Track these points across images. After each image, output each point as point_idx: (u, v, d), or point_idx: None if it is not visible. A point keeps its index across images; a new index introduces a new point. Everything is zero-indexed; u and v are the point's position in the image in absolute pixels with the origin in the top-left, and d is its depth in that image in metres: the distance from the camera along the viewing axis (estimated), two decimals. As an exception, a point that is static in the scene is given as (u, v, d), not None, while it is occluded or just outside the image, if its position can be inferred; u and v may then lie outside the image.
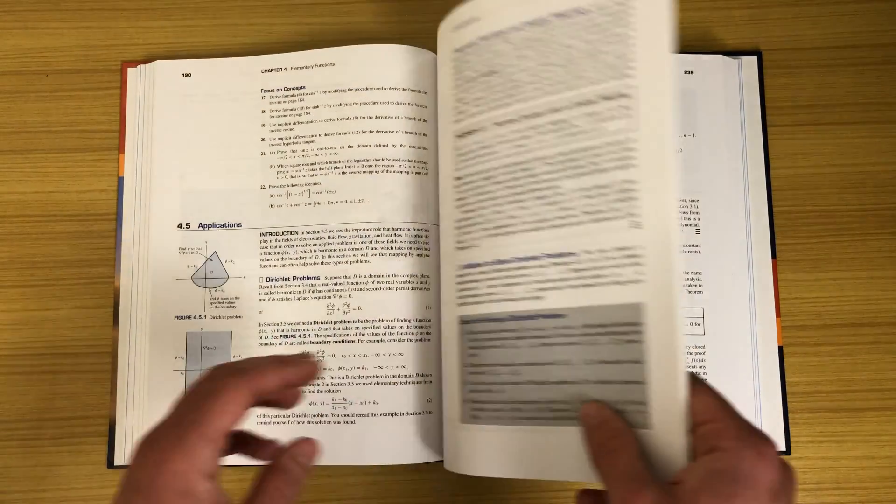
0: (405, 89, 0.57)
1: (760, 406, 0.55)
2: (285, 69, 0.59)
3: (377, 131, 0.56)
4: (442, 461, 0.54)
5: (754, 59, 0.60)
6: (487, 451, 0.47)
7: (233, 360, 0.55)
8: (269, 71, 0.59)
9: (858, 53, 0.60)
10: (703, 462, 0.36)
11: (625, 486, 0.36)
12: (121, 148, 0.59)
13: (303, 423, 0.54)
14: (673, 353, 0.40)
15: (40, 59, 0.61)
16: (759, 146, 0.58)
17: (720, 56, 0.59)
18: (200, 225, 0.57)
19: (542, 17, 0.46)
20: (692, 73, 0.58)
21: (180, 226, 0.57)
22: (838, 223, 0.58)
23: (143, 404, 0.55)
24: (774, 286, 0.57)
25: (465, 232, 0.49)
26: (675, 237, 0.41)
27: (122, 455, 0.55)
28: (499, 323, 0.46)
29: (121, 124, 0.59)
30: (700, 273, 0.56)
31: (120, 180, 0.58)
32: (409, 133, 0.57)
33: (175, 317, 0.56)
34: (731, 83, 0.59)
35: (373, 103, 0.57)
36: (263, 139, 0.58)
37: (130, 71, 0.60)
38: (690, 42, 0.61)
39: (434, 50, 0.58)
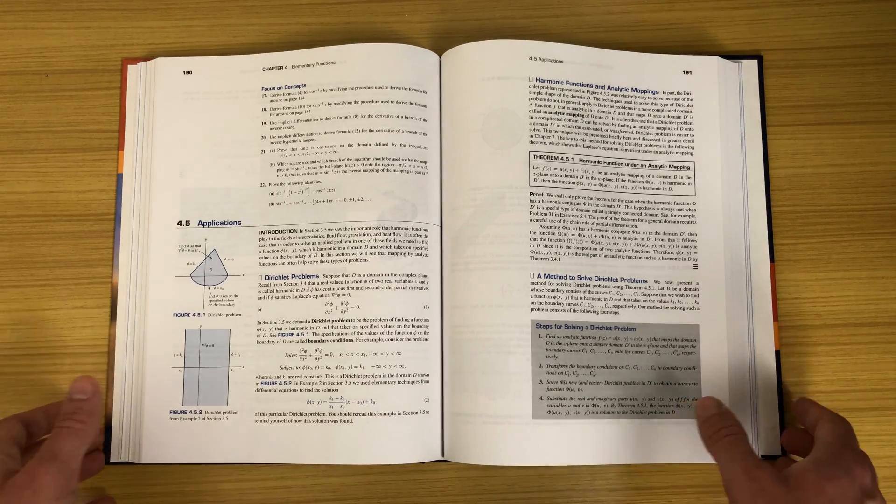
0: (406, 88, 0.57)
1: (757, 411, 0.55)
2: (286, 67, 0.59)
3: (377, 130, 0.56)
4: (440, 461, 0.54)
5: (754, 62, 0.60)
6: (566, 443, 0.53)
7: (231, 357, 0.56)
8: (270, 69, 0.59)
9: (858, 53, 0.60)
10: (809, 456, 0.46)
11: (745, 462, 0.45)
12: (120, 145, 0.59)
13: (300, 421, 0.54)
14: (719, 361, 0.55)
15: (40, 59, 0.61)
16: (758, 150, 0.59)
17: (719, 58, 0.59)
18: (200, 222, 0.57)
19: (623, 87, 0.58)
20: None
21: (180, 223, 0.57)
22: (838, 223, 0.58)
23: (139, 401, 0.55)
24: (772, 290, 0.57)
25: (545, 245, 0.55)
26: (721, 276, 0.56)
27: (119, 452, 0.55)
28: (580, 330, 0.55)
29: (120, 121, 0.59)
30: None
31: (119, 177, 0.58)
32: (410, 132, 0.56)
33: (174, 314, 0.56)
34: (730, 86, 0.59)
35: (373, 102, 0.57)
36: (264, 137, 0.58)
37: (131, 68, 0.60)
38: (689, 42, 0.61)
39: (434, 50, 0.58)
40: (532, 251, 0.55)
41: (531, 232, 0.55)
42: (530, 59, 0.57)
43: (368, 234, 0.55)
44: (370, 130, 0.56)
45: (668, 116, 0.58)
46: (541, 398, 0.53)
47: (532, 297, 0.54)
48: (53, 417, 0.51)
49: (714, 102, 0.58)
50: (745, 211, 0.58)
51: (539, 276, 0.54)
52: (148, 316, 0.56)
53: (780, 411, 0.56)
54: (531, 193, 0.55)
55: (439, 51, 0.58)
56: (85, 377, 0.49)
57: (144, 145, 0.58)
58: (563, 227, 0.55)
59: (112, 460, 0.55)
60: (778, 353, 0.56)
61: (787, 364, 0.57)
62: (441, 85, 0.58)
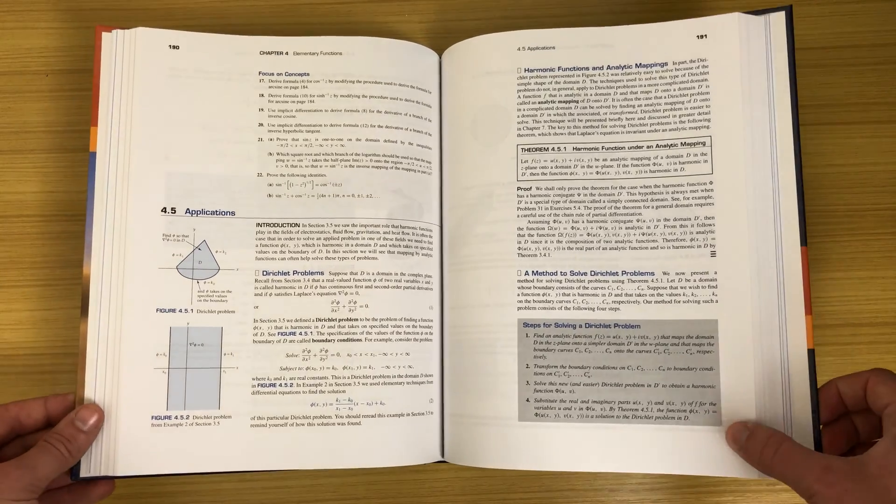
0: (413, 87, 0.56)
1: (791, 417, 0.49)
2: (287, 53, 0.56)
3: (386, 126, 0.55)
4: (441, 461, 0.54)
5: (782, 14, 0.52)
6: (556, 447, 0.51)
7: (223, 357, 0.52)
8: (268, 53, 0.56)
9: (858, 53, 0.60)
10: (889, 434, 0.42)
11: (812, 461, 0.43)
12: (93, 120, 0.53)
13: (303, 424, 0.52)
14: (742, 361, 0.49)
15: (40, 59, 0.60)
16: (787, 118, 0.51)
17: (741, 14, 0.53)
18: (188, 210, 0.53)
19: (625, 64, 0.55)
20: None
21: (164, 210, 0.53)
22: (838, 223, 0.58)
23: (115, 405, 0.50)
24: (804, 278, 0.50)
25: (534, 241, 0.53)
26: (744, 264, 0.50)
27: (90, 466, 0.49)
28: (572, 329, 0.52)
29: (93, 94, 0.54)
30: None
31: (91, 155, 0.53)
32: (417, 131, 0.56)
33: (157, 309, 0.52)
34: (754, 46, 0.52)
35: (382, 98, 0.56)
36: (261, 124, 0.55)
37: (105, 35, 0.54)
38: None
39: (435, 50, 0.58)
40: (519, 248, 0.53)
41: (518, 228, 0.53)
42: (519, 49, 0.56)
43: (378, 232, 0.54)
44: (379, 126, 0.55)
45: (679, 89, 0.53)
46: (527, 400, 0.52)
47: (519, 295, 0.53)
48: (52, 411, 0.50)
49: (735, 66, 0.52)
50: (774, 187, 0.51)
51: (526, 273, 0.53)
52: (125, 311, 0.51)
53: (814, 418, 0.48)
54: (518, 188, 0.54)
55: (439, 51, 0.58)
56: (93, 407, 0.49)
57: (122, 122, 0.53)
58: (554, 222, 0.53)
59: (81, 475, 0.49)
60: (811, 351, 0.49)
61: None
62: (441, 84, 0.58)
